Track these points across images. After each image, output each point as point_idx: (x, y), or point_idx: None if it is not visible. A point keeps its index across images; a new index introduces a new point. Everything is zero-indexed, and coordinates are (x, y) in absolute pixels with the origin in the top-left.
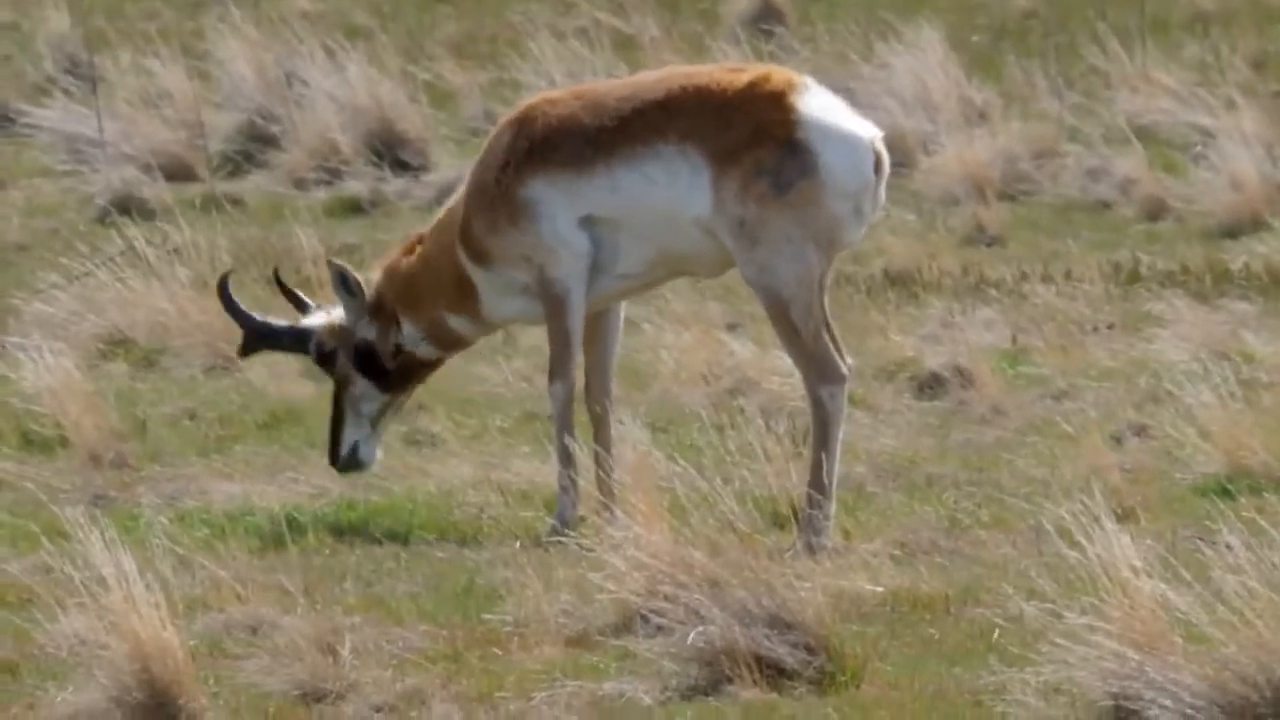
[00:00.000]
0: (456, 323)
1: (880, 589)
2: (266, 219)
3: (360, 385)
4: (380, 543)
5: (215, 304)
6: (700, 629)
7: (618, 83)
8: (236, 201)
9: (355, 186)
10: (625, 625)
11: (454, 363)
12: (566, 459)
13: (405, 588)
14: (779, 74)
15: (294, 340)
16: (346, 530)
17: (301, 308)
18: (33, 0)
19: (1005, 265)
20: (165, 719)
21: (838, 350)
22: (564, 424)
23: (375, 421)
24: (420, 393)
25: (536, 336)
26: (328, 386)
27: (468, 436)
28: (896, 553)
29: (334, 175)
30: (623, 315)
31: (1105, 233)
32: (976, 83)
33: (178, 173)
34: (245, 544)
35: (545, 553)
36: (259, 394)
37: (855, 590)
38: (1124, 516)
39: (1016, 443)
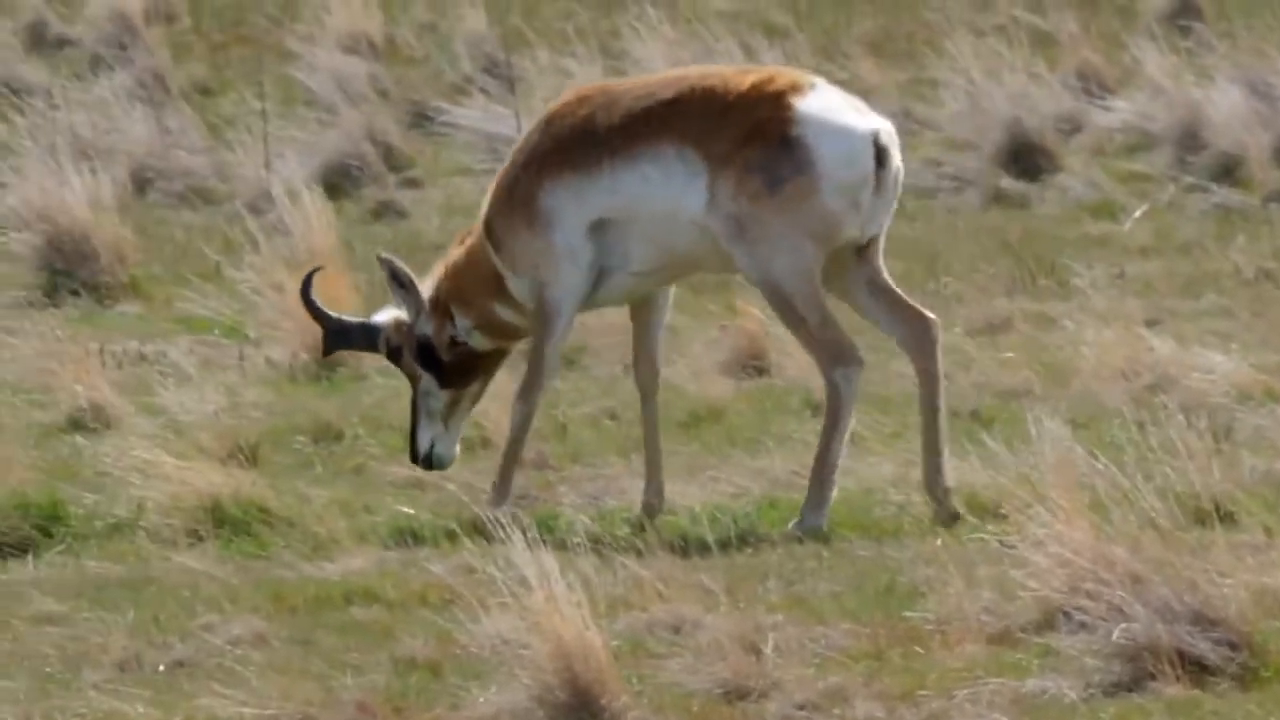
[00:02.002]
0: (503, 312)
1: None
2: None
3: (425, 381)
4: (801, 541)
5: None
6: (1123, 625)
7: (639, 81)
8: None
9: None
10: (1047, 622)
11: (876, 361)
12: (509, 471)
13: (827, 586)
14: (785, 75)
15: (365, 336)
16: (767, 529)
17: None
18: (451, 0)
19: None
20: (588, 718)
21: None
22: (518, 441)
23: (445, 419)
24: None
25: (953, 336)
26: (748, 384)
27: (888, 435)
28: None
29: None
30: (670, 295)
31: None
32: None
33: None
34: (667, 543)
35: (966, 550)
36: (679, 393)
37: (1278, 586)
38: None
39: None
